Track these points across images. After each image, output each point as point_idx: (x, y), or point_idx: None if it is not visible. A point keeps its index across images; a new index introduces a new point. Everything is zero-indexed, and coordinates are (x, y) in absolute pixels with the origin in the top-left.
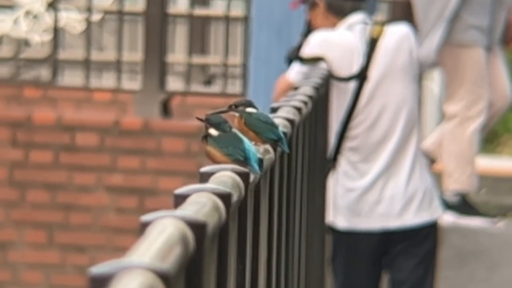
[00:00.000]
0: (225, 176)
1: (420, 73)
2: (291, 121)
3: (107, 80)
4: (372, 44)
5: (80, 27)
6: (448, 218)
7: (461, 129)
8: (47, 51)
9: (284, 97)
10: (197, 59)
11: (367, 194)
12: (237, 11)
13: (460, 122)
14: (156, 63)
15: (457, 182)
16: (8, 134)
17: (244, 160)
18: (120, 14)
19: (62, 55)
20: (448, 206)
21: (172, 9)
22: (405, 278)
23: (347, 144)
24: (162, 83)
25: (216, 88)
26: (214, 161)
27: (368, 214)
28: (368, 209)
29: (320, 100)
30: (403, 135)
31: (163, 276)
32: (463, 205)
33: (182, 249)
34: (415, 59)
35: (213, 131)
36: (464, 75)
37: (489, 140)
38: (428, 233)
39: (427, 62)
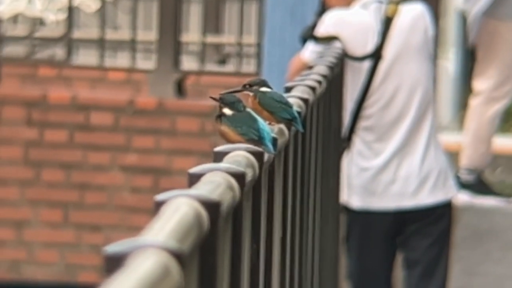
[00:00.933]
0: (239, 156)
1: (435, 51)
2: (305, 101)
3: (122, 60)
4: (387, 23)
5: (94, 6)
6: (463, 198)
7: (484, 107)
8: (61, 30)
9: (298, 76)
10: (211, 39)
11: (382, 173)
12: None
13: (484, 101)
14: (170, 43)
15: (469, 159)
16: (23, 113)
17: (258, 139)
18: None
19: (77, 34)
20: (463, 185)
21: None
22: (419, 258)
23: (362, 123)
24: (176, 62)
25: (230, 67)
26: (228, 140)
27: (382, 194)
28: (383, 188)
29: (334, 80)
30: (417, 115)
31: (177, 255)
32: (478, 185)
33: (196, 229)
34: (430, 38)
35: (227, 111)
36: (497, 53)
37: (504, 119)
38: (442, 213)
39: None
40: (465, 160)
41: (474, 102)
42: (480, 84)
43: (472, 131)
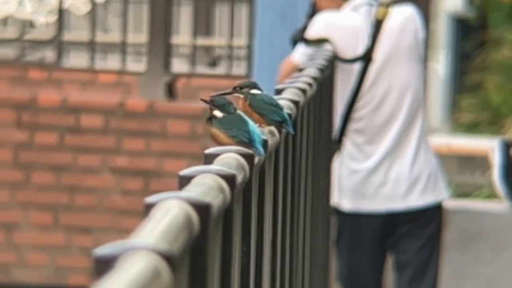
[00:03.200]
0: (229, 158)
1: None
2: (295, 103)
3: (112, 62)
4: (377, 25)
5: (85, 8)
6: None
7: None
8: (52, 32)
9: (288, 78)
10: (201, 41)
11: (372, 176)
12: None
13: None
14: (161, 45)
15: None
16: (13, 115)
17: (248, 141)
18: None
19: (67, 36)
20: None
21: None
22: (410, 260)
23: (352, 125)
24: (166, 65)
25: (221, 70)
26: (219, 142)
27: (373, 196)
28: (373, 191)
29: (325, 82)
30: (408, 117)
31: (167, 258)
32: None
33: (186, 231)
34: (420, 41)
35: (217, 113)
36: None
37: (494, 122)
38: (433, 215)
39: None
40: None
41: None
42: None
43: None
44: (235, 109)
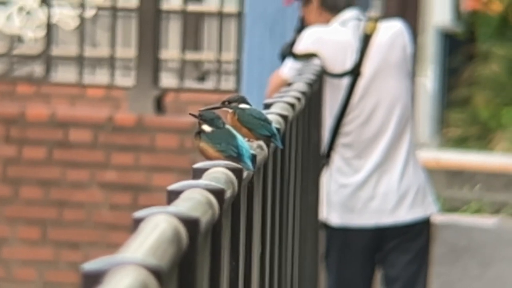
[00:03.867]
0: (218, 172)
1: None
2: (284, 117)
3: (101, 76)
4: (366, 40)
5: (73, 23)
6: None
7: None
8: (40, 47)
9: (277, 93)
10: (190, 55)
11: (361, 190)
12: (231, 7)
13: None
14: (149, 59)
15: None
16: (1, 130)
17: (237, 156)
18: (114, 10)
19: (56, 51)
20: None
21: (165, 5)
22: (398, 274)
23: (341, 140)
24: (155, 79)
25: (209, 84)
26: (207, 157)
27: (361, 210)
28: (362, 205)
29: (313, 96)
30: (396, 131)
31: (156, 272)
32: None
33: (175, 246)
34: (409, 55)
35: (206, 127)
36: None
37: (482, 136)
38: (421, 229)
39: None
40: None
41: None
42: None
43: None
44: (223, 124)
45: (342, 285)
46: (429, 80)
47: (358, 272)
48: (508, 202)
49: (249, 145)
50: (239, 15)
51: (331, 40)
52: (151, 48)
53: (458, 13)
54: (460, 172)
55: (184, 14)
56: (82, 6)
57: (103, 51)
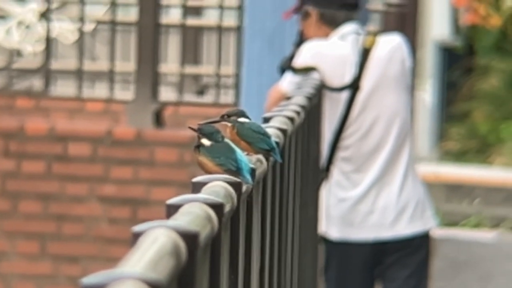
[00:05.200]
0: (217, 186)
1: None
2: (283, 131)
3: (100, 90)
4: (365, 54)
5: (72, 37)
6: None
7: None
8: (39, 61)
9: (276, 107)
10: (189, 69)
11: (360, 204)
12: (230, 21)
13: None
14: (148, 73)
15: None
16: (0, 144)
17: (236, 170)
18: (113, 24)
19: (55, 65)
20: None
21: (164, 19)
22: None
23: (340, 154)
24: (154, 93)
25: (208, 98)
26: (206, 171)
27: (360, 225)
28: (361, 219)
29: (312, 110)
30: (395, 145)
31: (155, 287)
32: None
33: (174, 260)
34: (407, 69)
35: (205, 141)
36: None
37: (481, 150)
38: (420, 244)
39: None
40: None
41: None
42: None
43: None
44: (222, 137)
45: None
46: (428, 94)
47: (358, 286)
48: (508, 216)
49: (248, 159)
50: (238, 29)
51: (330, 54)
52: (150, 62)
53: (457, 27)
54: (459, 186)
55: (183, 28)
56: (81, 20)
57: (102, 65)
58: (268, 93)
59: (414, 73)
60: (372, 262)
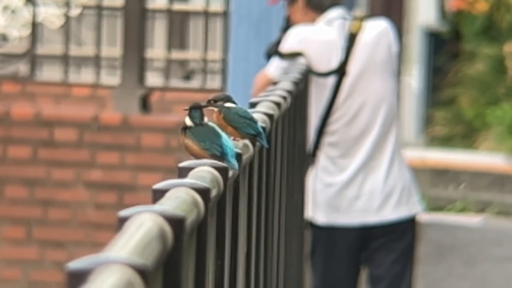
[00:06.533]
0: (203, 171)
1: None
2: (270, 116)
3: (86, 75)
4: (351, 39)
5: (58, 22)
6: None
7: None
8: (25, 46)
9: (263, 92)
10: (176, 54)
11: (346, 189)
12: (216, 6)
13: None
14: (135, 58)
15: None
16: None
17: (220, 155)
18: (99, 9)
19: (41, 50)
20: None
21: (151, 4)
22: (384, 273)
23: (326, 139)
24: (141, 78)
25: (195, 83)
26: (192, 153)
27: (347, 210)
28: (347, 204)
29: (299, 95)
30: (382, 131)
31: (141, 271)
32: None
33: (160, 244)
34: (394, 54)
35: (188, 121)
36: None
37: (467, 136)
38: (406, 228)
39: None
40: None
41: None
42: None
43: None
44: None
45: (328, 284)
46: (414, 79)
47: (344, 271)
48: (493, 201)
49: (234, 144)
50: (225, 14)
51: (316, 39)
52: (136, 47)
53: (443, 13)
54: (445, 171)
55: (169, 13)
56: (67, 4)
57: (88, 50)
58: (255, 79)
59: (401, 58)
60: (358, 247)
